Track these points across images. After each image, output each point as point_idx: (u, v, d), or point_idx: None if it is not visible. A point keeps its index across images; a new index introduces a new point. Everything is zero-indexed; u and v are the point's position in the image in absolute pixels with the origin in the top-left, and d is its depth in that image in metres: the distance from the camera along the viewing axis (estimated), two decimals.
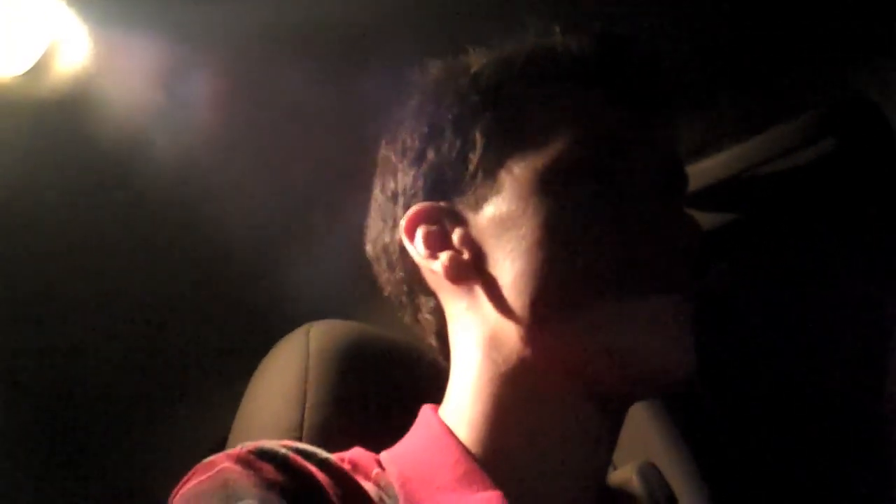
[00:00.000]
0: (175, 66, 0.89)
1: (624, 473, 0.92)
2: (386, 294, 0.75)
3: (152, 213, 1.00)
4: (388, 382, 0.81)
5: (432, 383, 0.71)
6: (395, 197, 0.71)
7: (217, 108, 0.93)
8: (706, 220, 1.01)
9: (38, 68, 0.85)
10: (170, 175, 0.95)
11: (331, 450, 0.64)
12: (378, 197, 0.74)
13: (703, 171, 0.98)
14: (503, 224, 0.64)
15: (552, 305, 0.61)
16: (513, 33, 0.70)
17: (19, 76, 0.85)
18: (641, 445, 1.03)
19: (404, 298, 0.73)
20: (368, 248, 0.76)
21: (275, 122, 0.97)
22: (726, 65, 0.93)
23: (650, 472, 0.95)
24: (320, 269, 1.03)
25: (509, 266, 0.63)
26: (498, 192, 0.65)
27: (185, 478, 0.55)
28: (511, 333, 0.63)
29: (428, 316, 0.71)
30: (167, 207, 1.00)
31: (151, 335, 1.09)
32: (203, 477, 0.53)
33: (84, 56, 0.86)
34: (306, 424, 0.75)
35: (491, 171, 0.65)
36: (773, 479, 1.10)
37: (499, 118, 0.67)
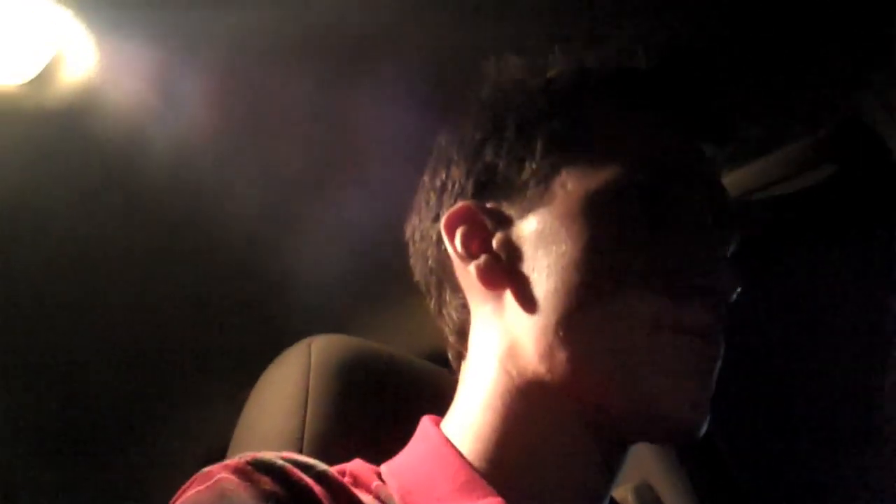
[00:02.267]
0: (179, 76, 0.89)
1: (620, 493, 0.93)
2: (416, 278, 0.74)
3: (156, 223, 1.00)
4: (387, 397, 0.82)
5: (431, 398, 0.71)
6: (443, 188, 0.71)
7: (222, 118, 0.93)
8: None
9: (44, 77, 0.85)
10: (174, 184, 0.95)
11: (330, 462, 0.64)
12: (426, 184, 0.74)
13: None
14: (545, 237, 0.63)
15: (577, 328, 0.61)
16: (515, 49, 0.70)
17: (24, 84, 0.85)
18: (637, 465, 1.03)
19: (432, 289, 0.73)
20: (407, 229, 0.75)
21: (282, 133, 0.96)
22: (724, 91, 0.94)
23: (646, 493, 0.95)
24: (323, 283, 1.03)
25: (544, 280, 0.62)
26: (547, 203, 0.64)
27: (183, 487, 0.55)
28: (530, 347, 0.62)
29: (453, 313, 0.71)
30: (171, 217, 1.00)
31: (154, 345, 1.09)
32: (201, 487, 0.53)
33: (89, 65, 0.86)
34: (307, 436, 0.75)
35: (544, 180, 0.65)
36: (769, 499, 1.10)
37: (563, 128, 0.66)
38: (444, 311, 0.72)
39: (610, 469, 0.64)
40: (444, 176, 0.71)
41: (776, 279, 1.12)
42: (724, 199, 0.68)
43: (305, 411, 0.77)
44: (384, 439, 0.69)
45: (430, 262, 0.72)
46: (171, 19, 0.83)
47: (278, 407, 0.79)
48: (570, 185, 0.64)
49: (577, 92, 0.68)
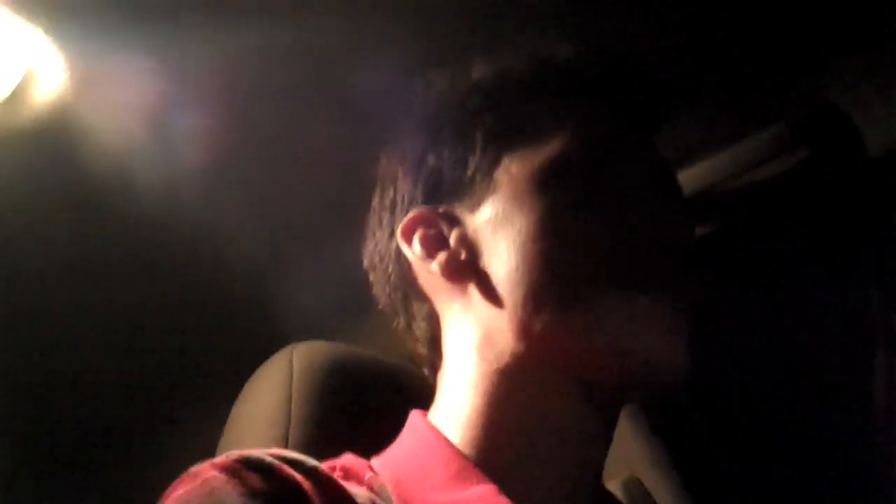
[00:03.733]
0: (153, 94, 0.89)
1: (609, 488, 0.92)
2: (381, 306, 0.76)
3: (133, 241, 1.00)
4: (371, 402, 0.82)
5: (416, 403, 0.71)
6: (393, 205, 0.73)
7: (197, 134, 0.93)
8: None
9: (15, 97, 0.85)
10: (150, 203, 0.94)
11: None
12: (376, 207, 0.76)
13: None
14: (499, 221, 0.65)
15: (546, 300, 0.62)
16: (511, 46, 0.72)
17: None
18: (625, 460, 1.03)
19: (398, 306, 0.74)
20: (365, 258, 0.77)
21: (259, 147, 0.97)
22: (698, 76, 0.94)
23: (635, 488, 0.95)
24: (305, 290, 1.03)
25: (504, 261, 0.64)
26: (495, 191, 0.66)
27: (171, 486, 0.55)
28: (504, 330, 0.63)
29: (422, 323, 0.72)
30: (148, 234, 0.99)
31: (136, 356, 1.08)
32: (188, 486, 0.53)
33: (61, 84, 0.86)
34: (290, 444, 0.75)
35: (489, 171, 0.67)
36: (757, 493, 1.10)
37: (498, 121, 0.69)
38: (413, 325, 0.73)
39: (602, 435, 0.65)
40: (392, 193, 0.73)
41: (756, 266, 1.12)
42: (661, 164, 0.71)
43: (289, 419, 0.77)
44: (368, 443, 0.68)
45: (392, 278, 0.73)
46: (144, 36, 0.84)
47: (262, 416, 0.79)
48: (514, 169, 0.66)
49: (505, 87, 0.70)
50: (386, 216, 0.73)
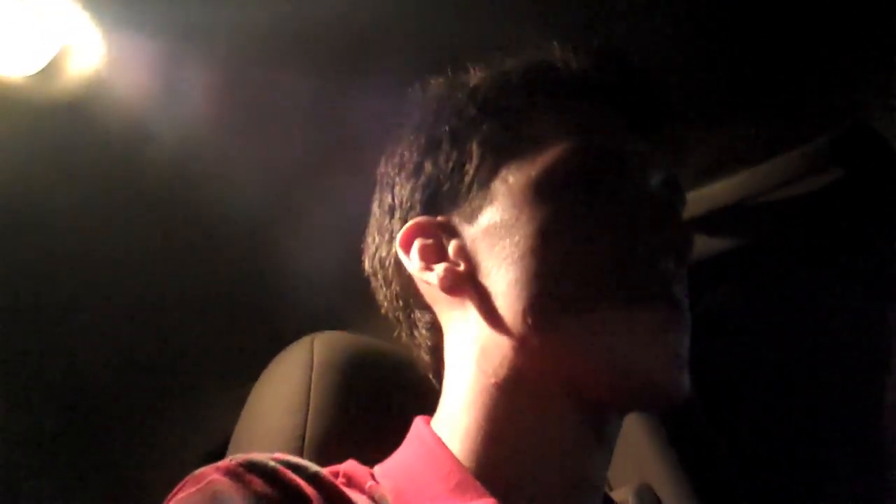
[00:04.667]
0: (186, 69, 0.89)
1: (620, 495, 0.93)
2: (383, 311, 0.75)
3: (160, 218, 1.00)
4: (389, 394, 0.82)
5: (433, 396, 0.71)
6: (391, 211, 0.72)
7: (227, 113, 0.93)
8: (712, 244, 1.02)
9: (50, 69, 0.85)
10: (178, 178, 0.95)
11: (331, 459, 0.64)
12: (376, 212, 0.75)
13: (709, 196, 0.99)
14: (497, 233, 0.64)
15: (543, 313, 0.61)
16: (511, 48, 0.71)
17: (31, 76, 0.86)
18: (637, 466, 1.03)
19: (400, 314, 0.73)
20: (366, 263, 0.76)
21: (286, 131, 0.97)
22: (734, 92, 0.94)
23: (646, 495, 0.95)
24: (326, 280, 1.03)
25: (503, 274, 0.63)
26: (492, 201, 0.65)
27: (175, 489, 0.55)
28: (503, 343, 0.62)
29: (423, 332, 0.71)
30: (176, 212, 1.00)
31: (157, 340, 1.09)
32: (192, 489, 0.53)
33: (96, 58, 0.86)
34: (308, 433, 0.75)
35: (486, 181, 0.66)
36: (769, 500, 1.10)
37: (495, 130, 0.67)
38: (416, 333, 0.73)
39: (601, 447, 0.64)
40: (391, 199, 0.72)
41: (780, 283, 1.12)
42: (663, 170, 0.68)
43: (307, 408, 0.77)
44: (386, 436, 0.68)
45: (393, 286, 0.72)
46: (178, 13, 0.84)
47: (280, 403, 0.79)
48: (512, 179, 0.65)
49: (502, 94, 0.69)
50: (385, 222, 0.72)
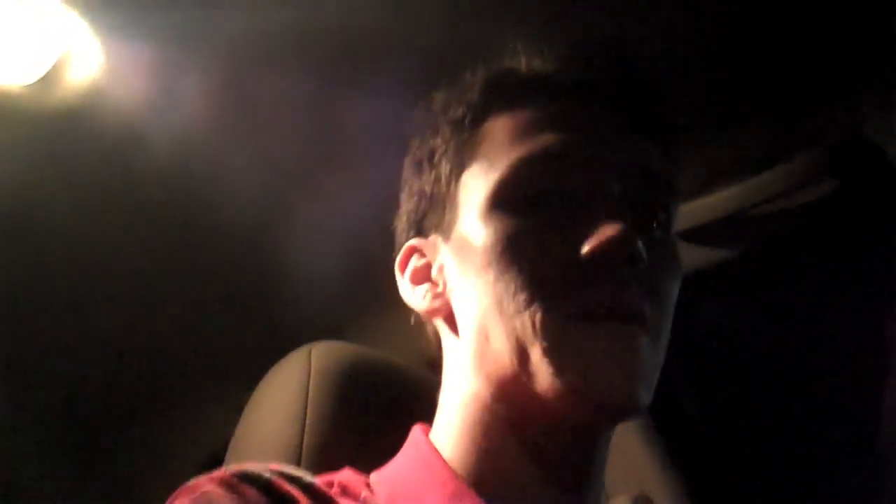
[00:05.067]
0: (185, 77, 0.89)
1: None
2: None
3: (159, 225, 1.00)
4: (387, 404, 0.82)
5: (429, 405, 0.71)
6: (398, 229, 0.74)
7: (227, 122, 0.93)
8: (707, 255, 1.02)
9: (50, 78, 0.86)
10: (178, 186, 0.95)
11: (329, 467, 0.65)
12: (397, 228, 0.76)
13: (704, 207, 0.99)
14: (462, 253, 0.64)
15: (498, 328, 0.60)
16: (508, 52, 0.70)
17: (31, 85, 0.86)
18: (636, 475, 1.03)
19: (414, 318, 0.74)
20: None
21: (286, 139, 0.97)
22: (729, 103, 0.94)
23: None
24: (324, 289, 1.03)
25: (465, 295, 0.64)
26: (461, 220, 0.65)
27: (169, 500, 0.55)
28: (484, 358, 0.62)
29: (430, 336, 0.73)
30: (174, 219, 1.00)
31: (155, 348, 1.09)
32: (186, 499, 0.53)
33: (95, 66, 0.86)
34: (305, 442, 0.76)
35: (454, 198, 0.67)
36: None
37: (459, 146, 0.68)
38: (427, 333, 0.74)
39: (586, 460, 0.63)
40: (401, 218, 0.74)
41: (776, 293, 1.12)
42: (628, 163, 0.65)
43: (305, 417, 0.77)
44: (383, 446, 0.68)
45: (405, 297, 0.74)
46: (177, 21, 0.84)
47: (278, 412, 0.79)
48: (474, 197, 0.65)
49: (465, 108, 0.68)
50: (397, 236, 0.75)
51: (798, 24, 0.87)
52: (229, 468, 0.55)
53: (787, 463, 1.14)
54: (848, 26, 0.87)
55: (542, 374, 0.58)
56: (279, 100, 0.93)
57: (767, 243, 1.00)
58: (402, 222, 0.73)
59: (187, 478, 0.56)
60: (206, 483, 0.54)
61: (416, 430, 0.68)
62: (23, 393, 1.02)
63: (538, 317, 0.59)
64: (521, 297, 0.59)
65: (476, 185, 0.65)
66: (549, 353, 0.58)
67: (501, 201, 0.63)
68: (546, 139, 0.64)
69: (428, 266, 0.69)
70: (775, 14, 0.86)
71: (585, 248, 0.59)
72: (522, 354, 0.59)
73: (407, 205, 0.73)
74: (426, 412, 0.71)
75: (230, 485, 0.53)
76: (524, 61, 0.69)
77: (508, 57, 0.70)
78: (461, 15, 0.86)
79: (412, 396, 0.83)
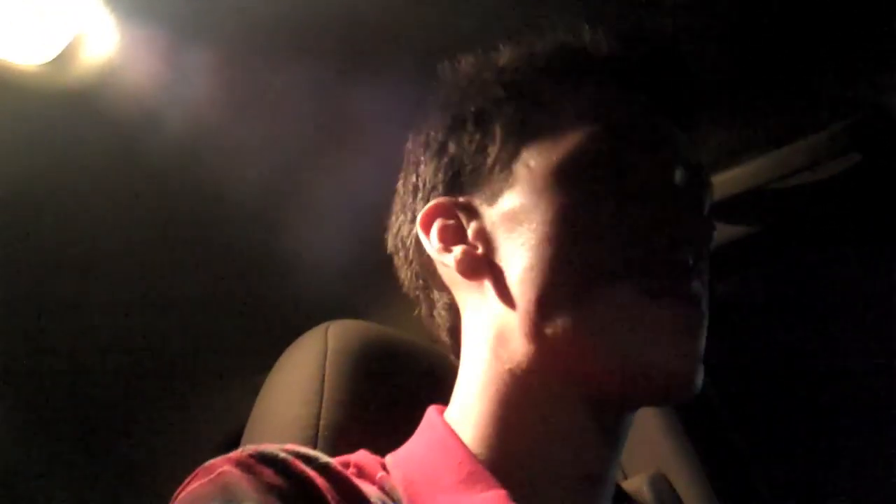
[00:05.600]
0: (198, 59, 0.89)
1: (634, 484, 0.92)
2: (404, 289, 0.75)
3: (173, 206, 1.00)
4: (403, 383, 0.82)
5: (447, 385, 0.71)
6: (415, 190, 0.72)
7: (241, 103, 0.93)
8: (729, 230, 1.01)
9: (63, 58, 0.85)
10: (191, 169, 0.95)
11: (346, 448, 0.65)
12: (400, 190, 0.75)
13: (726, 182, 0.98)
14: (516, 218, 0.63)
15: (557, 300, 0.60)
16: (540, 31, 0.70)
17: (44, 65, 0.86)
18: (652, 455, 1.03)
19: (420, 293, 0.73)
20: (389, 240, 0.76)
21: (301, 120, 0.97)
22: (751, 78, 0.93)
23: (660, 483, 0.95)
24: (341, 268, 1.03)
25: (519, 260, 0.62)
26: (513, 185, 0.64)
27: (186, 481, 0.55)
28: (517, 329, 0.62)
29: (442, 312, 0.71)
30: (190, 201, 1.00)
31: (172, 328, 1.09)
32: (203, 480, 0.53)
33: (109, 47, 0.86)
34: (322, 422, 0.75)
35: (507, 163, 0.65)
36: (784, 491, 1.10)
37: (519, 111, 0.67)
38: (434, 313, 0.73)
39: (612, 440, 0.63)
40: (414, 178, 0.72)
41: (798, 268, 1.11)
42: (690, 158, 0.67)
43: (322, 396, 0.77)
44: (400, 425, 0.68)
45: (413, 265, 0.73)
46: (191, 3, 0.83)
47: (295, 391, 0.79)
48: (533, 162, 0.64)
49: (528, 76, 0.68)
50: (409, 201, 0.72)
51: None
52: (245, 449, 0.55)
53: (803, 442, 1.13)
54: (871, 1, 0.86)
55: (610, 347, 0.59)
56: (294, 82, 0.93)
57: (789, 218, 0.99)
58: (423, 178, 0.71)
59: (205, 459, 0.56)
60: (222, 464, 0.54)
61: (432, 411, 0.68)
62: (37, 372, 1.03)
63: (610, 291, 0.59)
64: (592, 269, 0.60)
65: (539, 153, 0.64)
66: (618, 327, 0.59)
67: (570, 172, 0.62)
68: (617, 116, 0.65)
69: (460, 227, 0.67)
70: None
71: (667, 232, 0.60)
72: (588, 327, 0.59)
73: (432, 161, 0.70)
74: (444, 391, 0.70)
75: (247, 466, 0.53)
76: (589, 40, 0.68)
77: (567, 33, 0.69)
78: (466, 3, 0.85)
79: (430, 375, 0.82)
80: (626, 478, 0.98)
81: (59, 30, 0.84)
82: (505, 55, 0.70)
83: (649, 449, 1.03)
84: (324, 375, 0.78)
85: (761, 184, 0.96)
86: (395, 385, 0.81)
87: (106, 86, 0.88)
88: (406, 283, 0.74)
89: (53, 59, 0.85)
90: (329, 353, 0.80)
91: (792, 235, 1.02)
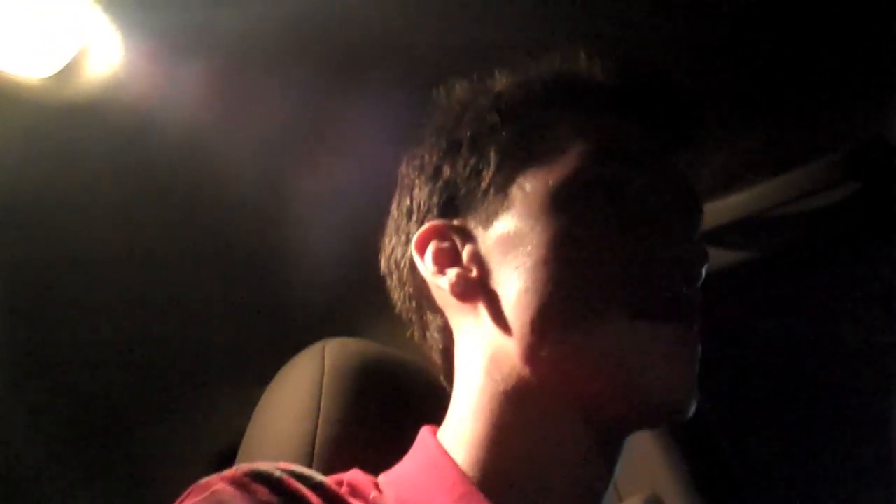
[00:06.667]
0: (201, 72, 0.89)
1: None
2: (397, 311, 0.75)
3: (176, 220, 1.00)
4: (400, 401, 0.82)
5: (443, 403, 0.71)
6: (409, 213, 0.72)
7: (247, 118, 0.93)
8: (724, 257, 1.01)
9: (69, 71, 0.86)
10: (195, 182, 0.95)
11: (341, 466, 0.65)
12: (394, 212, 0.75)
13: (723, 208, 0.98)
14: (511, 241, 0.64)
15: (552, 323, 0.60)
16: (513, 55, 0.71)
17: (49, 78, 0.86)
18: (648, 476, 1.03)
19: (413, 315, 0.73)
20: (382, 262, 0.76)
21: (302, 135, 0.97)
22: (749, 105, 0.93)
23: None
24: (338, 286, 1.03)
25: (514, 283, 0.62)
26: (508, 208, 0.65)
27: (180, 499, 0.55)
28: (512, 351, 0.62)
29: (435, 334, 0.71)
30: (191, 215, 1.00)
31: (169, 343, 1.09)
32: (197, 498, 0.53)
33: (114, 60, 0.86)
34: (318, 439, 0.75)
35: (503, 187, 0.66)
36: None
37: (515, 136, 0.67)
38: (427, 335, 0.73)
39: (607, 462, 0.63)
40: (409, 201, 0.72)
41: (793, 296, 1.11)
42: (684, 183, 0.68)
43: (318, 415, 0.77)
44: (396, 444, 0.68)
45: (407, 287, 0.72)
46: (195, 17, 0.84)
47: (291, 408, 0.79)
48: (529, 185, 0.65)
49: (523, 101, 0.69)
50: (403, 223, 0.72)
51: (819, 23, 0.86)
52: (240, 467, 0.55)
53: (798, 459, 1.13)
54: (869, 27, 0.86)
55: (605, 370, 0.59)
56: (298, 97, 0.93)
57: (785, 246, 0.99)
58: (417, 201, 0.71)
59: (200, 475, 0.56)
60: (216, 482, 0.54)
61: (425, 432, 0.68)
62: (32, 390, 1.03)
63: (605, 314, 0.59)
64: (587, 292, 0.60)
65: (535, 177, 0.65)
66: (613, 350, 0.59)
67: (566, 196, 0.63)
68: (611, 141, 0.65)
69: (454, 250, 0.67)
70: (796, 14, 0.85)
71: (661, 256, 0.61)
72: (583, 349, 0.59)
73: (427, 185, 0.71)
74: (439, 409, 0.70)
75: (241, 484, 0.53)
76: (585, 67, 0.69)
77: (563, 59, 0.70)
78: (463, 15, 0.86)
79: (426, 394, 0.82)
80: (620, 500, 0.98)
81: (64, 43, 0.84)
82: (500, 81, 0.71)
83: (644, 470, 1.03)
84: (320, 393, 0.78)
85: (757, 211, 0.96)
86: (392, 404, 0.81)
87: (110, 99, 0.89)
88: (399, 304, 0.75)
89: (58, 73, 0.86)
90: (326, 370, 0.80)
91: (788, 263, 1.02)
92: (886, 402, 1.04)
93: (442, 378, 0.73)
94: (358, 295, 1.01)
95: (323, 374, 0.79)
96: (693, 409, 0.60)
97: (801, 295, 1.10)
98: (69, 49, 0.85)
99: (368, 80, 0.92)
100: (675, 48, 0.85)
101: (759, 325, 1.14)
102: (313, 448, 0.75)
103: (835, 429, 1.11)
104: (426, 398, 0.81)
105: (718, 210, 0.98)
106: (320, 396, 0.78)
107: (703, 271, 0.63)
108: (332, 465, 0.69)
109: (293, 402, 0.80)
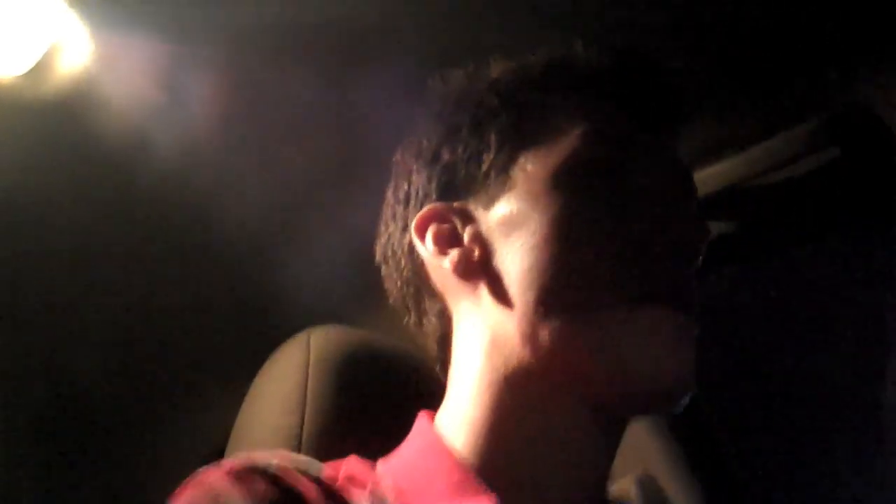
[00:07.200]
0: (176, 67, 0.88)
1: (622, 485, 0.92)
2: (391, 300, 0.75)
3: (152, 216, 1.00)
4: (387, 389, 0.81)
5: (432, 390, 0.71)
6: (407, 199, 0.72)
7: (218, 109, 0.92)
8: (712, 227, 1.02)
9: (39, 69, 0.85)
10: (170, 177, 0.94)
11: (329, 457, 0.64)
12: (390, 200, 0.75)
13: (705, 179, 0.98)
14: (513, 221, 0.64)
15: (554, 304, 0.60)
16: (515, 48, 0.71)
17: (20, 76, 0.85)
18: (640, 457, 1.03)
19: (410, 302, 0.73)
20: (377, 251, 0.76)
21: (276, 124, 0.97)
22: (729, 73, 0.93)
23: (648, 484, 0.95)
24: (322, 273, 1.03)
25: (516, 263, 0.62)
26: (510, 189, 0.65)
27: (177, 491, 0.55)
28: (512, 334, 0.62)
29: (433, 319, 0.71)
30: (167, 209, 1.00)
31: (152, 340, 1.08)
32: (194, 490, 0.54)
33: (85, 57, 0.85)
34: (305, 431, 0.75)
35: (504, 169, 0.66)
36: (771, 492, 1.10)
37: (514, 119, 0.68)
38: (425, 321, 0.72)
39: (606, 447, 0.64)
40: (406, 187, 0.72)
41: (778, 266, 1.11)
42: (680, 165, 0.69)
43: (305, 405, 0.77)
44: (385, 432, 0.68)
45: (404, 272, 0.72)
46: (167, 11, 0.84)
47: (277, 401, 0.79)
48: (530, 167, 0.65)
49: (522, 86, 0.69)
50: (399, 210, 0.73)
51: None
52: (237, 459, 0.56)
53: (789, 438, 1.14)
54: None
55: (605, 352, 0.59)
56: (274, 90, 0.93)
57: (767, 215, 0.99)
58: (415, 186, 0.71)
59: (190, 468, 0.56)
60: (213, 475, 0.54)
61: (422, 418, 0.68)
62: (19, 386, 1.02)
63: (606, 295, 0.60)
64: (588, 272, 0.60)
65: (536, 158, 0.65)
66: (614, 332, 0.59)
67: (567, 176, 0.64)
68: (608, 124, 0.66)
69: (454, 231, 0.68)
70: None
71: (662, 237, 0.61)
72: (583, 331, 0.59)
73: (425, 169, 0.71)
74: (429, 397, 0.70)
75: (237, 476, 0.54)
76: (581, 54, 0.70)
77: (559, 48, 0.71)
78: (467, 13, 0.86)
79: (414, 380, 0.82)
80: (614, 480, 0.98)
81: (33, 40, 0.83)
82: (497, 68, 0.71)
83: (638, 450, 1.03)
84: (307, 383, 0.78)
85: (738, 181, 0.96)
86: (378, 391, 0.81)
87: (83, 95, 0.88)
88: (394, 292, 0.74)
89: (29, 70, 0.85)
90: (312, 360, 0.80)
91: (771, 232, 1.03)
92: (876, 378, 1.04)
93: (437, 367, 0.72)
94: (342, 282, 1.01)
95: (308, 363, 0.79)
96: (688, 396, 0.61)
97: (788, 265, 1.10)
98: (38, 46, 0.84)
99: (361, 75, 0.91)
100: (649, 23, 0.85)
101: (744, 299, 1.14)
102: (300, 440, 0.75)
103: (824, 407, 1.11)
104: (413, 384, 0.81)
105: (699, 181, 0.98)
106: (306, 387, 0.78)
107: (701, 253, 0.63)
108: (320, 455, 0.69)
109: (279, 395, 0.79)
